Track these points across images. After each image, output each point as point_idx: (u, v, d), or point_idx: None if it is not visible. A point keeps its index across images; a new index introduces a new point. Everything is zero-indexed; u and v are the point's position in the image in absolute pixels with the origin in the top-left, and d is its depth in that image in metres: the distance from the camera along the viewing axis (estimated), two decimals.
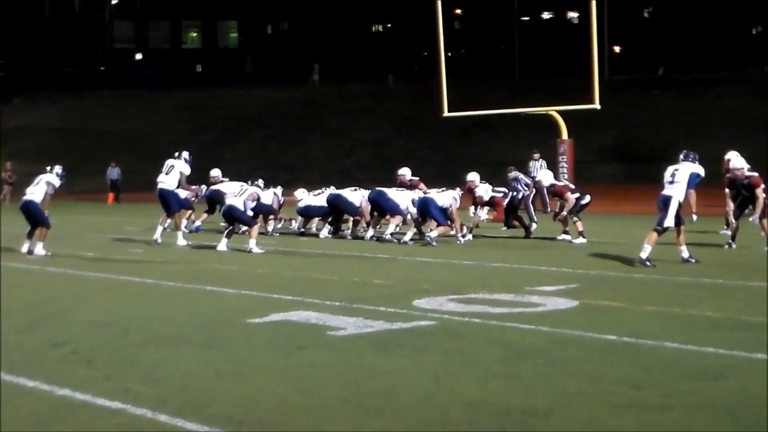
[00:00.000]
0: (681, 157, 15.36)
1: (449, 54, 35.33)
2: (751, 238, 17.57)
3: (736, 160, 17.93)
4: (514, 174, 22.25)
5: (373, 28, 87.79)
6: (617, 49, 78.25)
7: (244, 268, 14.86)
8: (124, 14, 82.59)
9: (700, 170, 15.09)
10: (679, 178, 14.91)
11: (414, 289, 12.02)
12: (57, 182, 17.49)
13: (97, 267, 15.19)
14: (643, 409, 6.36)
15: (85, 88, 70.19)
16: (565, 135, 29.11)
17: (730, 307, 10.31)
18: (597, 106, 26.66)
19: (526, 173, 25.86)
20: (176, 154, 19.66)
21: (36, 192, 17.31)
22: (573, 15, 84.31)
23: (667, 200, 14.83)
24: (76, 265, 15.46)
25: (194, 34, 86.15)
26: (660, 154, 47.11)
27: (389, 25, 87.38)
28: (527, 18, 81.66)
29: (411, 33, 78.22)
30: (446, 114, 29.55)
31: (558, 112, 29.27)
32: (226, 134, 59.18)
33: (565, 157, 28.95)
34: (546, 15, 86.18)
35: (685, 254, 14.92)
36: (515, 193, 20.95)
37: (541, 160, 28.06)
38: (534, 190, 21.39)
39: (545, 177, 20.78)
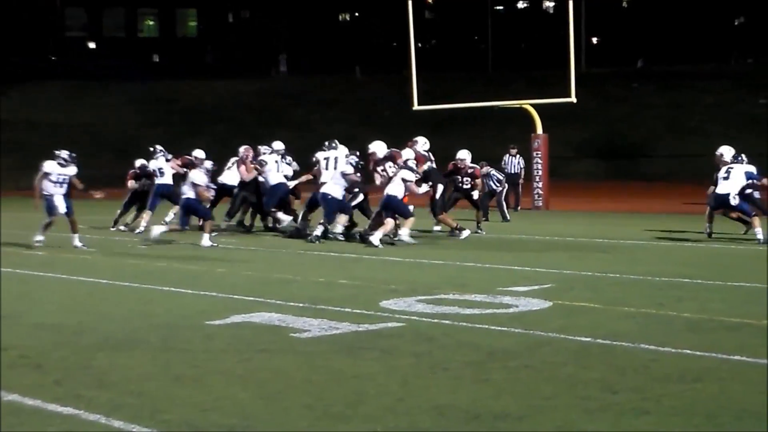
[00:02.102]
0: (730, 158, 17.34)
1: (420, 45, 35.04)
2: (730, 236, 17.42)
3: (728, 154, 17.78)
4: (485, 170, 21.99)
5: (341, 17, 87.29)
6: (595, 40, 78.37)
7: (204, 267, 14.48)
8: (77, 0, 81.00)
9: (753, 168, 17.22)
10: (734, 176, 16.87)
11: (381, 289, 11.73)
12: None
13: (46, 266, 14.73)
14: (618, 413, 6.22)
15: (35, 79, 68.01)
16: (539, 129, 28.88)
17: (709, 309, 10.08)
18: (573, 99, 26.46)
19: (500, 169, 25.60)
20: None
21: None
22: (549, 4, 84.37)
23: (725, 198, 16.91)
24: (24, 264, 14.99)
25: (151, 23, 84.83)
26: (640, 150, 47.21)
27: (357, 15, 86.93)
28: (501, 7, 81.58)
29: (380, 23, 77.84)
30: (416, 107, 29.23)
31: (532, 105, 29.02)
32: (184, 128, 58.15)
33: (539, 152, 28.72)
34: (521, 4, 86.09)
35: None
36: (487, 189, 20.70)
37: (518, 155, 27.80)
38: (506, 186, 21.15)
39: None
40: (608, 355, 7.91)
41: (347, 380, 7.14)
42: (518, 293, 11.26)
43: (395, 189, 17.48)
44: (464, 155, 19.92)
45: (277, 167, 20.07)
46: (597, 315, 9.87)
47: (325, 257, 16.07)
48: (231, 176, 20.68)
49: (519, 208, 27.35)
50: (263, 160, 19.93)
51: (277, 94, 63.92)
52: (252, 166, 20.03)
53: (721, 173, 17.26)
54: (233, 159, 20.95)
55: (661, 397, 6.56)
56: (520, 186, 27.72)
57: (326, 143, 19.97)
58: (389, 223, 17.46)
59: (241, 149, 20.64)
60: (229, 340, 8.59)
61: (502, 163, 27.26)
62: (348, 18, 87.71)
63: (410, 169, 17.65)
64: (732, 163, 17.44)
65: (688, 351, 7.99)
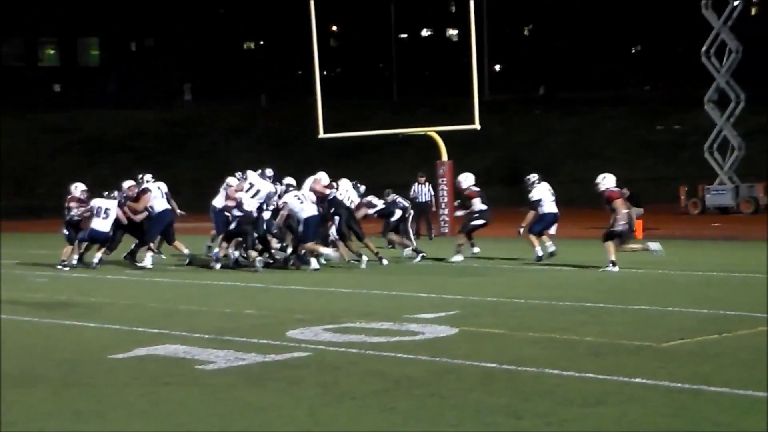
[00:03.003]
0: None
1: (325, 73, 35.03)
2: (632, 260, 17.71)
3: (609, 180, 18.18)
4: (391, 197, 22.03)
5: (245, 45, 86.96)
6: (498, 67, 79.44)
7: (107, 299, 14.23)
8: None
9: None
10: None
11: (288, 319, 11.66)
12: None
13: None
14: None
15: None
16: (445, 156, 29.08)
17: (610, 332, 10.23)
18: (477, 126, 26.68)
19: (406, 196, 25.60)
20: None
21: None
22: (453, 32, 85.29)
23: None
24: None
25: (52, 52, 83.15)
26: (544, 176, 47.71)
27: (261, 43, 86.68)
28: (406, 35, 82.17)
29: (285, 51, 77.73)
30: (322, 135, 29.21)
31: (437, 132, 29.23)
32: (87, 158, 56.81)
33: (445, 179, 28.90)
34: (425, 32, 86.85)
35: None
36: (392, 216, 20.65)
37: (427, 183, 27.88)
38: (412, 212, 21.20)
39: (465, 179, 20.49)
40: (513, 381, 7.97)
41: (253, 412, 7.07)
42: (424, 320, 11.28)
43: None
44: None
45: (161, 194, 19.61)
46: (502, 340, 9.94)
47: (231, 287, 15.92)
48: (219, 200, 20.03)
49: (433, 235, 27.38)
50: (147, 188, 19.50)
51: (181, 122, 63.28)
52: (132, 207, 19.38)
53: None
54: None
55: (564, 422, 6.62)
56: (430, 213, 27.77)
57: (238, 173, 19.98)
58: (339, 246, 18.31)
59: (125, 184, 19.96)
60: (132, 374, 8.45)
61: (411, 191, 27.29)
62: (253, 46, 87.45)
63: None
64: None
65: (591, 375, 8.08)
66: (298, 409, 7.11)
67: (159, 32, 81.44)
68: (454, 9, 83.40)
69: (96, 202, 19.10)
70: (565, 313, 11.92)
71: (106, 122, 62.36)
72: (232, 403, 7.33)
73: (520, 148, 52.85)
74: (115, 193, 19.51)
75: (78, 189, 20.01)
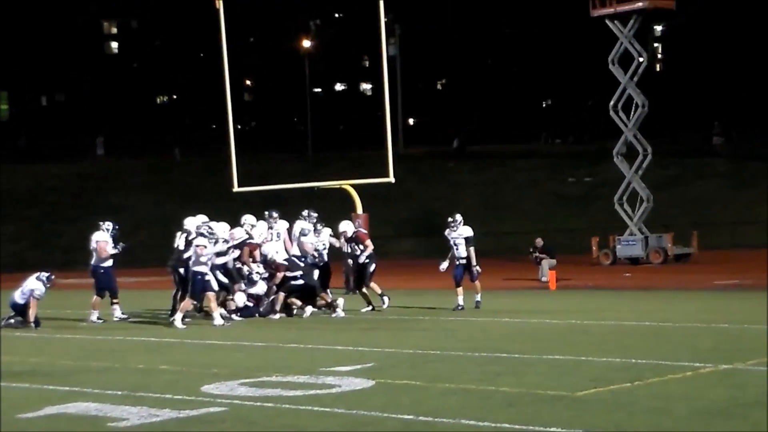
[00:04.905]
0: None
1: (239, 127, 34.98)
2: (544, 310, 17.88)
3: (348, 227, 20.73)
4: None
5: (158, 99, 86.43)
6: (411, 121, 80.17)
7: (15, 358, 13.86)
8: None
9: None
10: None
11: (203, 374, 11.50)
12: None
13: None
14: None
15: None
16: (360, 209, 29.14)
17: (526, 382, 10.29)
18: (392, 179, 26.80)
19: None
20: None
21: None
22: (366, 87, 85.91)
23: None
24: None
25: None
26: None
27: (175, 97, 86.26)
28: (320, 90, 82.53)
29: (198, 104, 77.45)
30: (236, 189, 29.07)
31: (352, 185, 29.30)
32: None
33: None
34: (339, 87, 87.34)
35: None
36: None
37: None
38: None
39: (347, 226, 20.90)
40: None
41: None
42: (341, 373, 11.23)
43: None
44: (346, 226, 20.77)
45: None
46: (419, 392, 9.93)
47: (145, 343, 15.68)
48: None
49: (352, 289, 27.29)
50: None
51: (94, 177, 62.43)
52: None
53: None
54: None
55: None
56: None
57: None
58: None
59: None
60: None
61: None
62: (166, 100, 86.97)
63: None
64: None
65: (507, 425, 8.11)
66: None
67: (70, 86, 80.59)
68: (367, 63, 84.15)
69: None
70: (481, 363, 11.96)
71: (16, 176, 61.18)
72: None
73: (434, 201, 53.18)
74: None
75: None
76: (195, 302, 18.15)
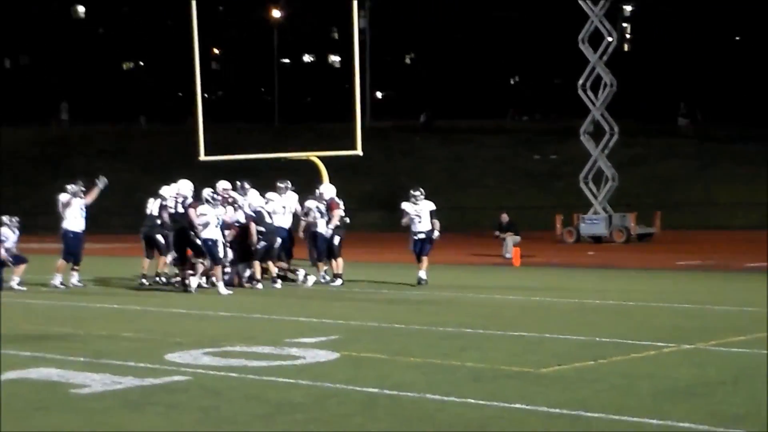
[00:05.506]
0: None
1: (206, 95, 34.75)
2: (509, 287, 17.94)
3: (328, 190, 20.87)
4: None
5: (125, 65, 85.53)
6: (380, 94, 79.99)
7: None
8: None
9: None
10: None
11: (167, 342, 11.47)
12: None
13: None
14: None
15: None
16: (326, 181, 29.07)
17: (490, 358, 10.33)
18: (359, 152, 26.74)
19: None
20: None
21: None
22: (335, 59, 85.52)
23: None
24: None
25: None
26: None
27: (141, 63, 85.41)
28: (288, 60, 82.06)
29: (165, 72, 76.73)
30: (203, 158, 28.90)
31: (319, 157, 29.21)
32: None
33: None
34: (307, 58, 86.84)
35: None
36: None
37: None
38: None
39: (326, 189, 20.93)
40: (395, 406, 7.98)
41: None
42: (306, 345, 11.22)
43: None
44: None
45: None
46: (383, 366, 9.94)
47: (108, 310, 15.60)
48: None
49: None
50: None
51: (57, 142, 61.80)
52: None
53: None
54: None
55: None
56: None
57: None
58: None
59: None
60: (3, 399, 8.16)
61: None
62: (132, 66, 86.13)
63: None
64: None
65: (472, 400, 8.14)
66: None
67: (35, 49, 79.57)
68: (336, 35, 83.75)
69: None
70: (446, 338, 11.99)
71: None
72: (108, 427, 7.17)
73: (400, 175, 53.17)
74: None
75: None
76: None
